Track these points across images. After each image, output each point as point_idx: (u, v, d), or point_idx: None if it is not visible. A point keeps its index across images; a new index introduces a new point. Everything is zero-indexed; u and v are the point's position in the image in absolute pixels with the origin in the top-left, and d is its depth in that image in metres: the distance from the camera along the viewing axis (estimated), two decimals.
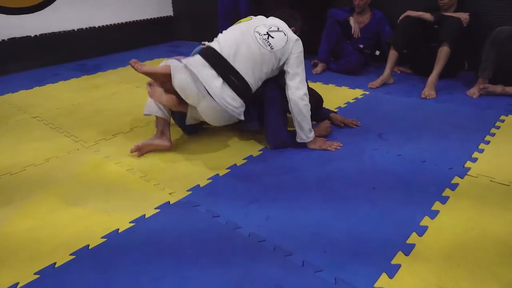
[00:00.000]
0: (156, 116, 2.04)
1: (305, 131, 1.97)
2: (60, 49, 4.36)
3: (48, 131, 2.47)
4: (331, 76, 3.39)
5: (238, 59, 1.82)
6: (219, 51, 1.83)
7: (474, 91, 2.70)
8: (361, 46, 3.45)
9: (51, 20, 4.22)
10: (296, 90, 1.90)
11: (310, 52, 3.79)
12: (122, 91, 3.23)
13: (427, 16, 2.90)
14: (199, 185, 1.75)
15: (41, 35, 4.19)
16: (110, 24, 4.77)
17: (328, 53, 3.51)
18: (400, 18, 3.03)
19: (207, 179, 1.80)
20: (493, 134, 2.10)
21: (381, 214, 1.48)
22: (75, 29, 4.46)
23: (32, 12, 4.06)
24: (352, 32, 3.30)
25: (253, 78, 1.84)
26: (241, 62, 1.82)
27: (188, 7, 5.25)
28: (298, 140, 2.01)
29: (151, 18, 5.20)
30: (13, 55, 4.02)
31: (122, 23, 4.89)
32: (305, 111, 1.91)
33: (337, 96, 2.83)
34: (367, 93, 2.90)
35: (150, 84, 1.98)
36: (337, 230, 1.40)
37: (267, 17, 2.06)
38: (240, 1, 4.14)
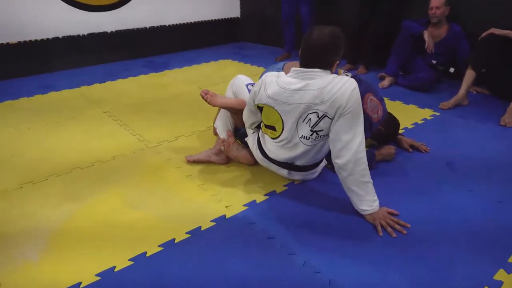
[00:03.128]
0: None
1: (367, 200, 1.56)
2: (132, 45, 4.59)
3: (116, 127, 2.60)
4: (398, 91, 3.22)
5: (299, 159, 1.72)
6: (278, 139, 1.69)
7: (509, 120, 2.44)
8: (434, 62, 3.25)
9: (126, 18, 4.45)
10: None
11: (378, 64, 3.68)
12: (185, 92, 3.32)
13: None
14: (255, 200, 1.74)
15: (116, 31, 4.43)
16: (180, 24, 4.93)
17: (398, 67, 3.35)
18: (483, 35, 2.79)
19: (264, 195, 1.78)
20: None
21: (445, 265, 1.36)
22: (147, 27, 4.66)
23: (110, 10, 4.31)
24: (426, 47, 3.11)
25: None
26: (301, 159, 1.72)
27: (255, 9, 5.27)
28: (356, 207, 1.59)
29: (218, 19, 5.30)
30: (91, 49, 4.30)
31: (191, 22, 5.03)
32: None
33: (404, 115, 2.67)
34: (437, 114, 2.71)
35: (224, 141, 1.98)
36: (394, 281, 1.32)
37: (304, 62, 1.53)
38: (302, 5, 4.09)
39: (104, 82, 3.68)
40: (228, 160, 2.07)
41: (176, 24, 4.90)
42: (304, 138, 1.60)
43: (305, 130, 1.58)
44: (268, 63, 4.22)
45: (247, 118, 1.82)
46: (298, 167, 1.76)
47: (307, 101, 1.50)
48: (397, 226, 1.52)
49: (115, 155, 2.20)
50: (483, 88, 3.15)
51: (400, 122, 2.47)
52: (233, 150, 2.01)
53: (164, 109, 2.93)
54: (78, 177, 1.99)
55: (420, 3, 3.36)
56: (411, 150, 2.16)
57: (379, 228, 1.51)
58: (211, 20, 5.22)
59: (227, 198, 1.76)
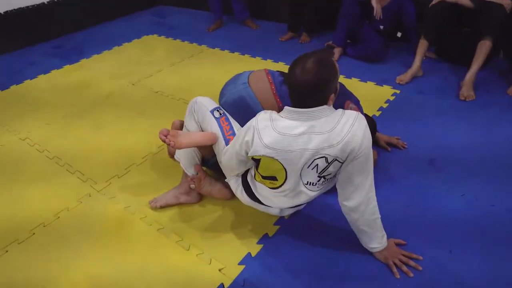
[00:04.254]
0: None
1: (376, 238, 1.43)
2: (30, 28, 3.76)
3: (44, 164, 2.11)
4: (349, 64, 3.06)
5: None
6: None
7: None
8: (381, 27, 3.10)
9: None
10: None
11: (320, 30, 3.42)
12: (116, 92, 2.82)
13: (466, 2, 2.56)
14: (249, 254, 1.52)
15: (6, 13, 3.56)
16: None
17: (346, 36, 3.15)
18: (433, 2, 2.67)
19: (257, 243, 1.56)
20: None
21: None
22: (45, 2, 3.82)
23: None
24: (374, 14, 2.92)
25: None
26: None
27: None
28: (365, 246, 1.45)
29: None
30: None
31: None
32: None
33: (366, 98, 2.51)
34: (398, 91, 2.62)
35: (193, 179, 1.67)
36: None
37: (297, 103, 1.26)
38: None
39: (7, 88, 2.98)
40: (201, 198, 1.79)
41: None
42: (309, 184, 1.36)
43: (311, 176, 1.33)
44: (200, 36, 3.77)
45: (234, 168, 1.50)
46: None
47: (314, 146, 1.24)
48: (412, 263, 1.42)
49: (57, 211, 1.78)
50: (429, 52, 3.10)
51: (365, 107, 2.34)
52: (205, 186, 1.72)
53: (97, 122, 2.45)
54: (15, 257, 1.57)
55: None
56: (389, 149, 2.05)
57: (395, 269, 1.40)
58: None
59: (217, 255, 1.51)
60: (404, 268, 1.40)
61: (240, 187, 1.55)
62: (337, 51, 3.17)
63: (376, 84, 2.73)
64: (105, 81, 2.98)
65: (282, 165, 1.31)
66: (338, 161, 1.27)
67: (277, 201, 1.46)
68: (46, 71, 3.21)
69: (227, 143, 1.55)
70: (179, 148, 1.54)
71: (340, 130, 1.22)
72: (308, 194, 1.39)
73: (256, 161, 1.36)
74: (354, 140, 1.22)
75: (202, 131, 1.65)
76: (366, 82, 2.77)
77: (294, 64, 1.24)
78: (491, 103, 2.42)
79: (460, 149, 2.02)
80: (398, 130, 2.17)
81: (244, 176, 1.53)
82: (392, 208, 1.65)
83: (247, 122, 1.38)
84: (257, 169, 1.40)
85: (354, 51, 3.16)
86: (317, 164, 1.28)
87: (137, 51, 3.58)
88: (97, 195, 1.86)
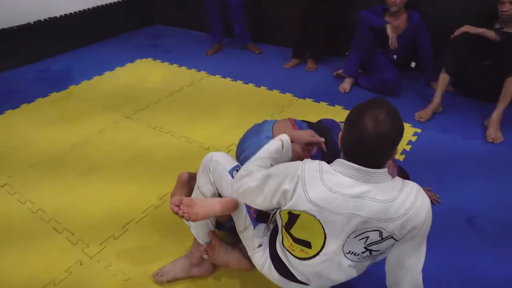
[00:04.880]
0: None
1: None
2: (13, 49, 3.45)
3: (27, 220, 1.81)
4: (363, 96, 2.86)
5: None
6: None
7: None
8: (395, 56, 2.92)
9: (1, 13, 3.28)
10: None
11: (331, 57, 3.15)
12: (109, 128, 2.54)
13: (491, 34, 2.39)
14: None
15: None
16: (74, 12, 3.84)
17: (358, 65, 2.95)
18: (456, 33, 2.50)
19: None
20: None
21: None
22: (32, 22, 3.53)
23: None
24: (390, 44, 2.74)
25: None
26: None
27: None
28: None
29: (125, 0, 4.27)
30: None
31: (88, 9, 3.96)
32: None
33: None
34: (419, 131, 2.42)
35: (207, 248, 1.43)
36: None
37: (359, 159, 1.03)
38: None
39: None
40: (214, 269, 1.53)
41: (70, 14, 3.81)
42: (351, 254, 1.12)
43: (356, 247, 1.10)
44: (198, 61, 3.54)
45: (258, 205, 1.19)
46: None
47: (367, 215, 1.02)
48: None
49: (47, 282, 1.49)
50: (447, 85, 2.92)
51: None
52: (220, 255, 1.46)
53: (88, 166, 2.16)
54: None
55: None
56: None
57: None
58: (115, 2, 4.19)
59: None
60: None
61: (268, 261, 1.29)
62: (348, 82, 2.97)
63: None
64: (97, 113, 2.70)
65: (323, 228, 1.07)
66: (394, 238, 1.06)
67: (307, 271, 1.19)
68: (30, 99, 2.92)
69: (249, 211, 1.31)
70: (195, 220, 1.28)
71: (402, 202, 1.02)
72: (345, 263, 1.13)
73: (292, 218, 1.11)
74: (418, 216, 1.03)
75: (219, 195, 1.40)
76: None
77: (357, 114, 1.03)
78: None
79: (501, 205, 1.81)
80: (426, 179, 1.95)
81: (272, 246, 1.28)
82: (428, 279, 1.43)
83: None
84: (289, 229, 1.14)
85: (367, 82, 2.96)
86: (367, 237, 1.07)
87: (131, 77, 3.31)
88: (89, 263, 1.58)
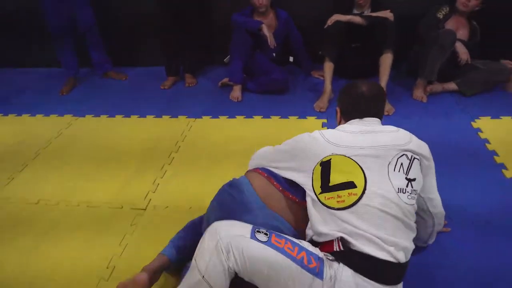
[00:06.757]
0: None
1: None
2: None
3: None
4: (258, 101, 2.78)
5: None
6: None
7: (421, 95, 2.63)
8: (274, 54, 2.94)
9: None
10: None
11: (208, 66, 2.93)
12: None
13: (358, 19, 2.59)
14: None
15: None
16: None
17: (242, 71, 2.85)
18: (329, 23, 2.61)
19: None
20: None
21: None
22: None
23: None
24: (269, 43, 2.71)
25: None
26: None
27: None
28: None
29: None
30: None
31: None
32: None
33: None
34: (325, 121, 2.46)
35: None
36: None
37: (361, 114, 1.29)
38: (79, 9, 2.93)
39: None
40: None
41: None
42: (400, 191, 1.15)
43: (399, 179, 1.16)
44: (56, 103, 2.95)
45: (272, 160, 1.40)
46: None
47: (386, 142, 1.20)
48: None
49: None
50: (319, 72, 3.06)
51: None
52: None
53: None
54: None
55: None
56: None
57: None
58: None
59: None
60: None
61: (335, 265, 1.09)
62: (238, 89, 2.85)
63: (299, 118, 2.52)
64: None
65: (357, 164, 1.16)
66: (417, 159, 1.22)
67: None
68: None
69: (301, 263, 1.06)
70: None
71: (403, 132, 1.26)
72: (402, 206, 1.14)
73: (325, 167, 1.18)
74: (422, 148, 1.25)
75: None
76: (287, 118, 2.53)
77: (352, 86, 1.35)
78: (410, 112, 2.49)
79: None
80: None
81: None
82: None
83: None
84: (327, 183, 1.16)
85: (255, 86, 2.89)
86: (401, 163, 1.19)
87: None
88: None
